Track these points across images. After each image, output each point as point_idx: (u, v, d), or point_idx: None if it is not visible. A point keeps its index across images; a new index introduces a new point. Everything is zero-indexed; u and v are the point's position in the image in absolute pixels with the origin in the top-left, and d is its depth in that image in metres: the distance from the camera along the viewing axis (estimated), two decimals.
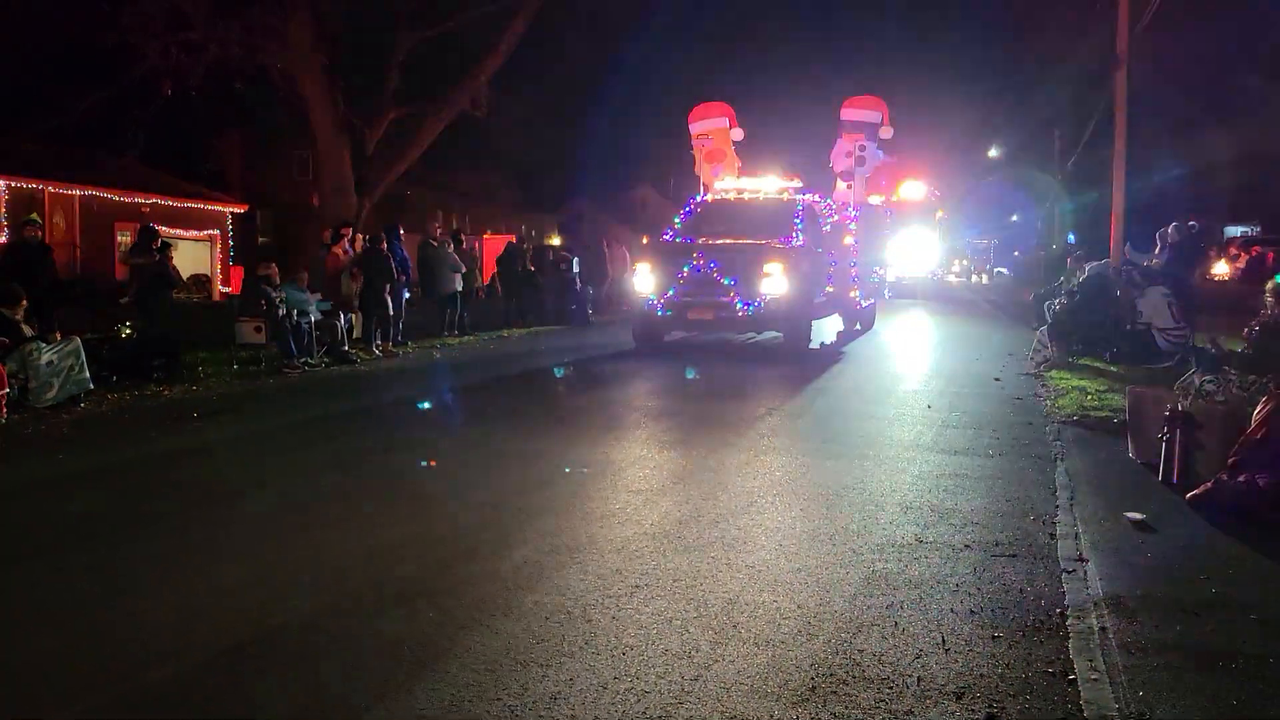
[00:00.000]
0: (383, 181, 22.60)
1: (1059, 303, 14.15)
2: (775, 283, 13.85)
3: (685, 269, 14.22)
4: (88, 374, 10.07)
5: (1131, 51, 19.18)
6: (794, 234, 14.89)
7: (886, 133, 19.68)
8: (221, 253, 29.31)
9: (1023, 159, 46.25)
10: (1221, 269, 33.97)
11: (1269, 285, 9.29)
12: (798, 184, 16.60)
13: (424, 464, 7.55)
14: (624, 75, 33.77)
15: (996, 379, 12.06)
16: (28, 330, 9.91)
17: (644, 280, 14.59)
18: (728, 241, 14.93)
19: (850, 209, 18.09)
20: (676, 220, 16.21)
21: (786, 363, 13.88)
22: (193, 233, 28.18)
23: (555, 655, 4.00)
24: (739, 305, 13.87)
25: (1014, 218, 59.91)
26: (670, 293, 14.26)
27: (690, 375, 12.87)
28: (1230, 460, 6.18)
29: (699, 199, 17.10)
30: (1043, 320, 14.38)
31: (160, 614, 4.46)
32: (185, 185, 29.60)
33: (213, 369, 12.31)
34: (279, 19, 19.52)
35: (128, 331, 12.20)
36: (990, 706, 3.58)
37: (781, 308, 13.92)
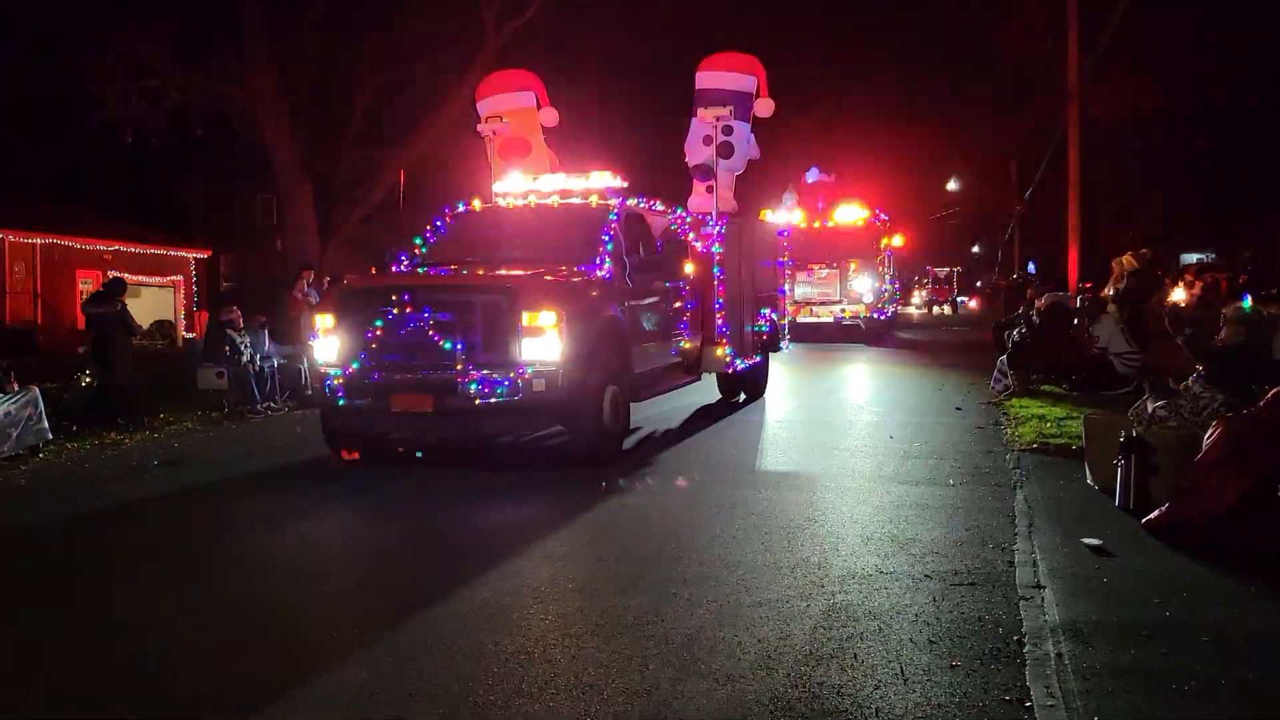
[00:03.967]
0: (345, 223, 22.62)
1: (1019, 332, 14.35)
2: (543, 344, 8.20)
3: (379, 323, 8.44)
4: (46, 424, 9.96)
5: (1082, 86, 19.67)
6: (601, 259, 9.45)
7: (764, 107, 12.99)
8: (185, 298, 29.16)
9: (981, 191, 47.04)
10: (1179, 295, 34.60)
11: (1226, 310, 9.53)
12: (618, 182, 10.85)
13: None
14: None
15: (958, 408, 12.18)
16: None
17: (325, 347, 8.78)
18: (456, 276, 9.45)
19: (712, 222, 11.87)
20: (418, 240, 10.62)
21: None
22: (156, 279, 28.05)
23: (514, 696, 3.99)
24: (474, 386, 8.15)
25: (975, 248, 60.79)
26: (356, 366, 8.50)
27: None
28: (1183, 485, 6.28)
29: (458, 207, 11.08)
30: (1003, 349, 14.57)
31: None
32: (148, 231, 29.48)
33: (173, 416, 12.20)
34: (240, 65, 19.59)
35: (87, 380, 12.09)
36: None
37: (559, 385, 8.21)
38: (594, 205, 10.52)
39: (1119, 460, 6.91)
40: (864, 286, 24.36)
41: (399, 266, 10.23)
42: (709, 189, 12.55)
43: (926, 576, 5.49)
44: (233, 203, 36.69)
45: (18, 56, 19.23)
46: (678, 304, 11.01)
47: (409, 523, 7.14)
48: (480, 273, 9.53)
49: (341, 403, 8.69)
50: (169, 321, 27.64)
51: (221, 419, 12.31)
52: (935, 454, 9.18)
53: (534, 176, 11.45)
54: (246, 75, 19.56)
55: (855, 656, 4.35)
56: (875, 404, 13.11)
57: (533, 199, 10.98)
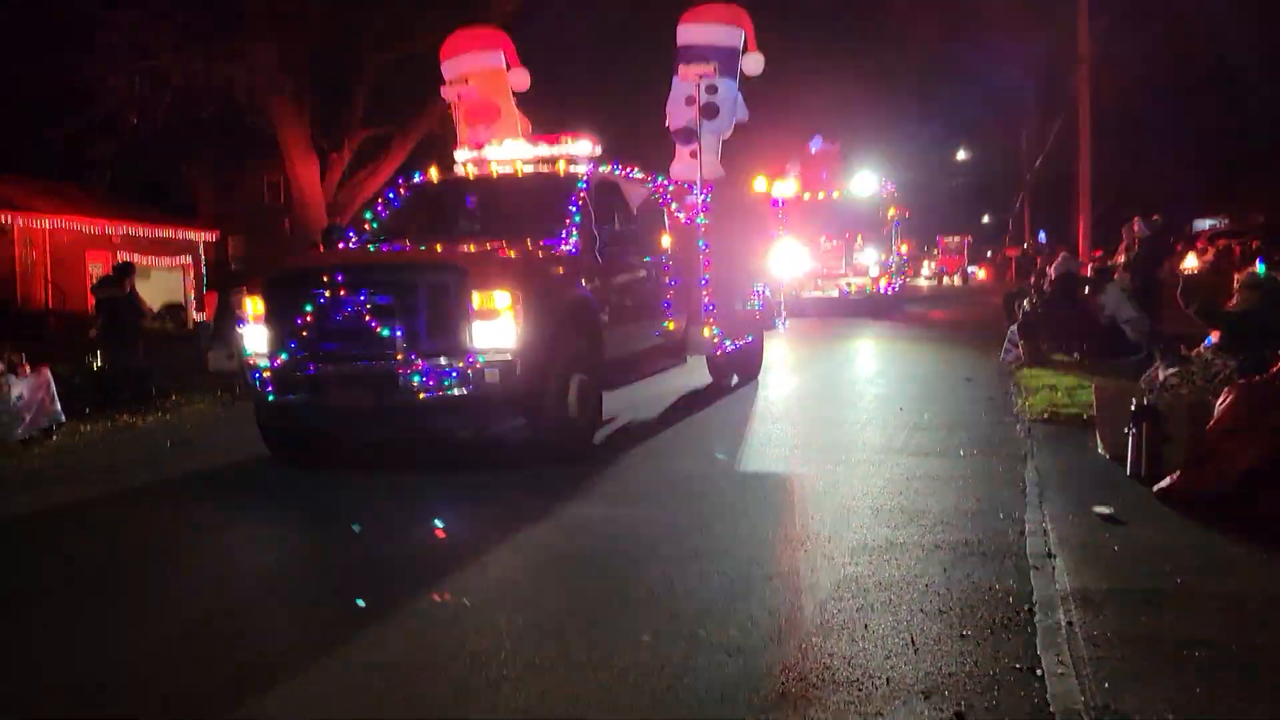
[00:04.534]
0: (354, 203, 22.59)
1: (1029, 301, 14.29)
2: (497, 328, 7.30)
3: (310, 309, 7.48)
4: (59, 406, 10.01)
5: (1093, 51, 19.49)
6: (568, 232, 8.53)
7: (754, 63, 11.95)
8: (194, 280, 29.21)
9: (991, 159, 46.73)
10: (1190, 263, 34.34)
11: (1239, 276, 9.47)
12: (589, 148, 9.83)
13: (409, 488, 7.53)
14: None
15: (968, 379, 12.15)
16: None
17: (254, 336, 7.83)
18: (397, 253, 8.60)
19: (696, 191, 10.85)
20: (368, 215, 9.88)
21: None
22: (165, 260, 28.08)
23: (528, 671, 4.01)
24: (418, 379, 7.29)
25: (985, 218, 60.45)
26: (284, 356, 7.58)
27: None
28: (1196, 453, 6.26)
29: (414, 178, 10.24)
30: (1013, 319, 14.51)
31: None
32: (156, 214, 29.51)
33: (185, 398, 12.25)
34: (243, 45, 19.51)
35: (99, 363, 12.14)
36: (958, 704, 3.62)
37: (516, 375, 7.33)
38: (562, 173, 9.48)
39: (1130, 428, 6.89)
40: (870, 259, 23.62)
41: (346, 244, 9.39)
42: (692, 154, 11.47)
43: (937, 547, 5.49)
44: (240, 184, 36.72)
45: (21, 38, 19.17)
46: (659, 281, 10.02)
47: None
48: (427, 249, 8.56)
49: (271, 399, 7.75)
50: (179, 303, 27.69)
51: (233, 401, 12.35)
52: (945, 425, 9.17)
53: (499, 143, 10.33)
54: (249, 55, 19.49)
55: (866, 627, 4.37)
56: (884, 377, 13.08)
57: (495, 167, 9.94)
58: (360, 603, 4.83)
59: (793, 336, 17.34)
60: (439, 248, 8.47)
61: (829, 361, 15.25)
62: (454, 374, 7.26)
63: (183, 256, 29.07)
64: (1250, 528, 5.57)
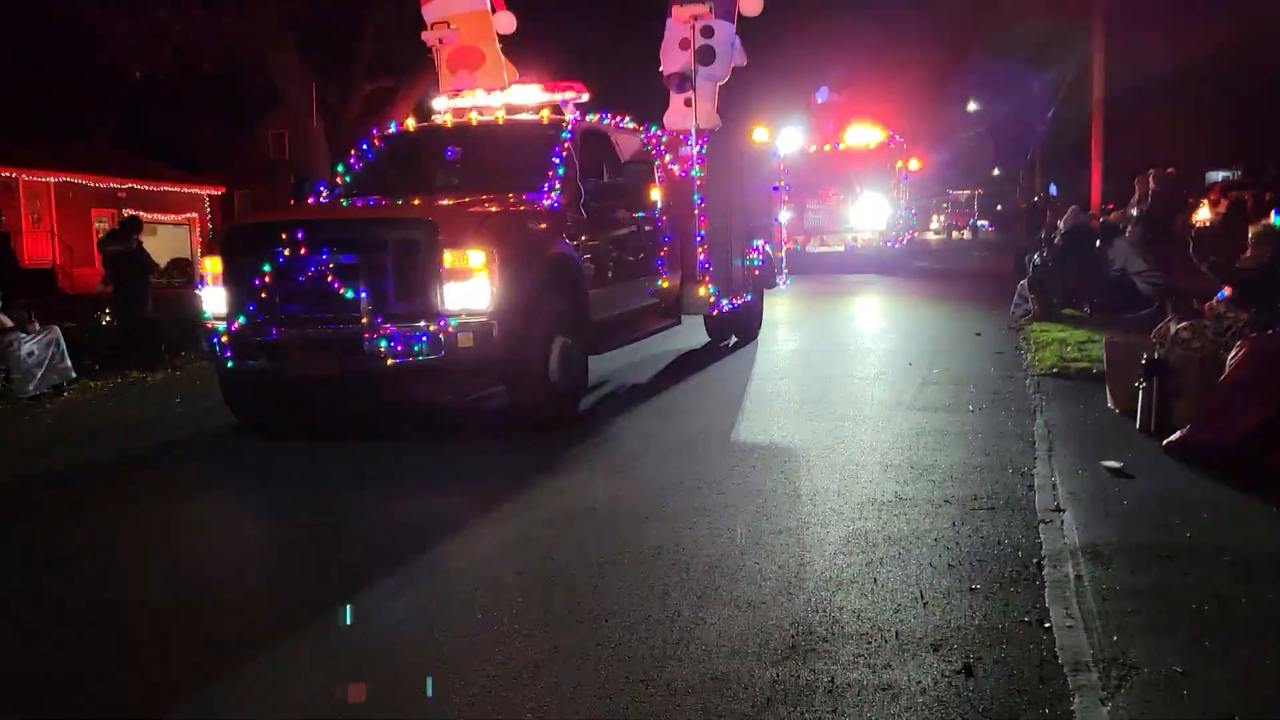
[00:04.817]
0: None
1: (1040, 255, 14.18)
2: (471, 289, 6.88)
3: (269, 268, 7.08)
4: (69, 363, 10.04)
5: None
6: (551, 185, 8.03)
7: (752, 3, 11.45)
8: (200, 236, 29.18)
9: (1002, 110, 46.18)
10: (1203, 214, 33.98)
11: (1253, 229, 9.36)
12: (576, 95, 9.46)
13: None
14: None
15: (978, 334, 12.10)
16: (6, 321, 9.88)
17: (213, 297, 7.44)
18: (363, 208, 8.14)
19: (692, 141, 10.34)
20: (341, 167, 9.25)
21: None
22: (171, 216, 28.06)
23: (538, 625, 4.04)
24: (385, 344, 6.84)
25: (995, 171, 59.91)
26: (242, 320, 7.18)
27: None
28: (1206, 407, 6.24)
29: (390, 128, 9.80)
30: (1023, 273, 14.42)
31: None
32: (161, 169, 29.42)
33: (195, 354, 12.24)
34: None
35: (107, 319, 12.16)
36: (967, 657, 3.63)
37: (493, 339, 6.91)
38: (545, 121, 8.98)
39: (1140, 383, 6.87)
40: (878, 212, 23.12)
41: (317, 198, 8.84)
42: (687, 102, 10.86)
43: (946, 501, 5.50)
44: (245, 139, 36.54)
45: None
46: (651, 237, 9.58)
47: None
48: (399, 203, 8.03)
49: (231, 365, 7.32)
50: (185, 259, 27.68)
51: None
52: (955, 380, 9.15)
53: (479, 91, 9.78)
54: (250, 6, 19.28)
55: (875, 581, 4.38)
56: (892, 332, 13.04)
57: (474, 116, 9.32)
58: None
59: (798, 293, 17.27)
60: (410, 202, 8.03)
61: (835, 317, 15.19)
62: (424, 338, 6.81)
63: (189, 212, 29.01)
64: (1260, 482, 5.57)
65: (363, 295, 6.88)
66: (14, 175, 23.70)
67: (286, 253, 7.02)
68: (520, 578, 4.57)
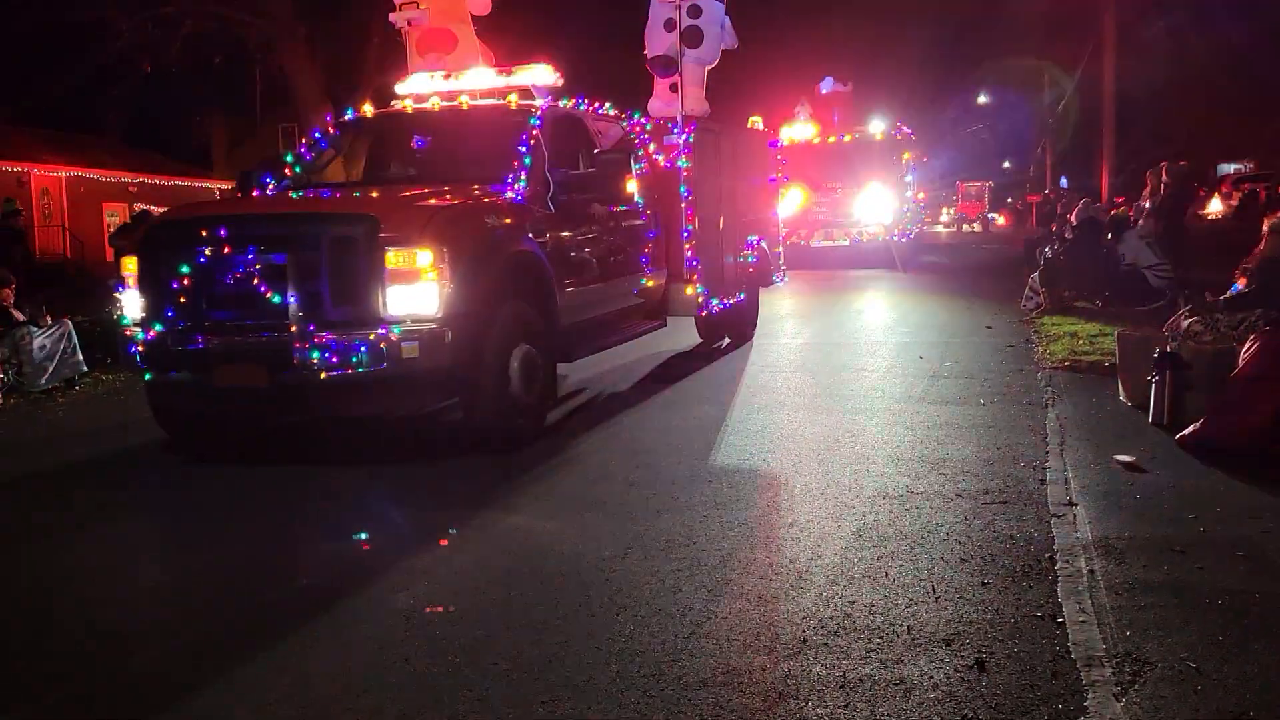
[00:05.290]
0: None
1: (1051, 248, 14.15)
2: (417, 293, 6.17)
3: (187, 270, 6.34)
4: (80, 356, 10.08)
5: None
6: (515, 175, 7.35)
7: None
8: None
9: (1011, 104, 46.03)
10: (1215, 206, 33.82)
11: (1269, 221, 9.30)
12: (550, 77, 8.68)
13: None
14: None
15: (988, 327, 12.07)
16: (18, 315, 9.92)
17: (133, 301, 6.77)
18: (293, 201, 7.57)
19: (678, 129, 9.73)
20: (290, 157, 8.60)
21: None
22: None
23: (549, 619, 4.05)
24: (318, 355, 6.11)
25: (1006, 164, 59.71)
26: (161, 327, 6.48)
27: None
28: (1219, 401, 6.21)
29: (346, 115, 9.17)
30: (1034, 266, 14.38)
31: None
32: (171, 164, 29.50)
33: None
34: None
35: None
36: (979, 652, 3.63)
37: (443, 348, 6.23)
38: (512, 107, 8.24)
39: (1153, 376, 6.84)
40: (884, 206, 22.49)
41: (262, 191, 8.15)
42: (673, 87, 10.10)
43: (958, 495, 5.48)
44: (254, 134, 36.59)
45: None
46: (632, 233, 8.87)
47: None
48: (331, 196, 7.37)
49: (149, 377, 6.74)
50: None
51: None
52: (965, 373, 9.12)
53: (446, 74, 9.00)
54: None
55: (887, 575, 4.38)
56: (901, 326, 13.00)
57: (437, 102, 8.63)
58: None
59: (803, 288, 17.20)
60: (363, 194, 7.36)
61: (843, 312, 15.09)
62: (363, 348, 6.06)
63: None
64: (1273, 476, 5.55)
65: (292, 300, 6.13)
66: (26, 170, 23.80)
67: (209, 252, 6.27)
68: (532, 570, 4.58)
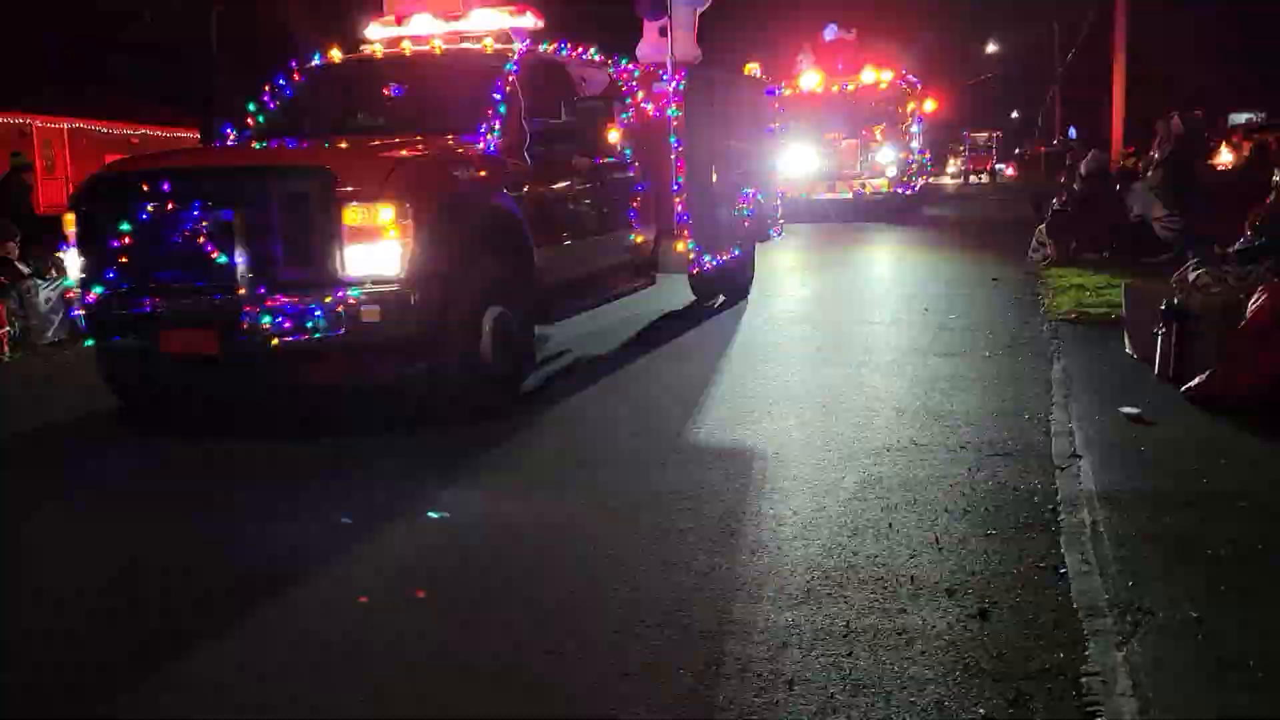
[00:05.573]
0: None
1: (1059, 199, 14.03)
2: (378, 251, 5.73)
3: (128, 228, 5.93)
4: None
5: None
6: (489, 125, 6.84)
7: None
8: None
9: (1021, 53, 45.43)
10: (1226, 157, 33.46)
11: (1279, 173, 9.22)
12: (529, 20, 8.21)
13: None
14: None
15: (995, 280, 12.02)
16: (24, 268, 9.91)
17: (74, 262, 6.33)
18: (243, 152, 7.22)
19: (667, 77, 9.17)
20: (252, 106, 8.12)
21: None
22: None
23: (555, 570, 4.08)
24: (269, 319, 5.68)
25: (1014, 114, 59.08)
26: (103, 290, 6.06)
27: None
28: (1226, 353, 6.19)
29: (313, 61, 8.37)
30: (1041, 217, 14.27)
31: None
32: (173, 116, 29.26)
33: None
34: None
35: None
36: (982, 602, 3.65)
37: (407, 311, 5.80)
38: (487, 51, 7.67)
39: (1159, 328, 6.81)
40: (888, 157, 22.05)
41: (222, 143, 7.71)
42: (661, 32, 9.54)
43: (962, 448, 5.49)
44: (258, 90, 36.28)
45: None
46: (618, 186, 8.44)
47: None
48: (283, 147, 6.94)
49: (90, 343, 6.34)
50: None
51: None
52: (971, 326, 9.10)
53: (429, 16, 8.37)
54: None
55: (890, 526, 4.40)
56: (907, 279, 12.95)
57: (408, 46, 8.10)
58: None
59: (804, 243, 17.05)
60: (326, 145, 6.92)
61: (846, 266, 15.01)
62: (319, 312, 5.64)
63: None
64: (1278, 429, 5.54)
65: (241, 261, 5.70)
66: (28, 121, 23.65)
67: (151, 208, 5.85)
68: (537, 521, 4.60)
